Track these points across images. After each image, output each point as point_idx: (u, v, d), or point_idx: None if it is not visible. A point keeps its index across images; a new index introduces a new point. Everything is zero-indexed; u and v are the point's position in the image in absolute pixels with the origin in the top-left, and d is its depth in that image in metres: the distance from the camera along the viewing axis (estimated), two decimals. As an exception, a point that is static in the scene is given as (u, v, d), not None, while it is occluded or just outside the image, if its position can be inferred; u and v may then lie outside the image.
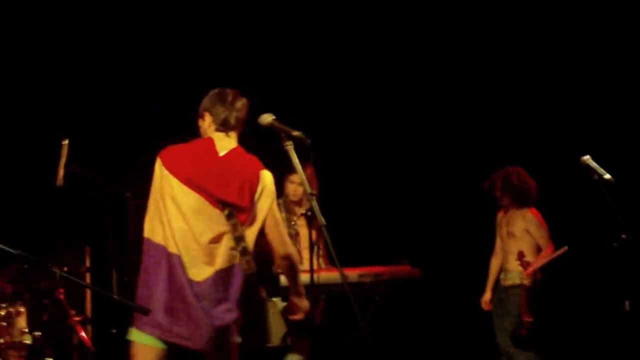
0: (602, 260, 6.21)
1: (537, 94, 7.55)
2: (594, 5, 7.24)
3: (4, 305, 5.35)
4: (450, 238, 7.62)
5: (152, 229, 4.02)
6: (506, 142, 7.36)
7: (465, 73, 7.67)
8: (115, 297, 4.08)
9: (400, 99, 7.83)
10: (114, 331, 5.71)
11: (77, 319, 5.57)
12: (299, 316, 4.28)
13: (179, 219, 3.96)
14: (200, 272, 3.94)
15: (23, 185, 6.57)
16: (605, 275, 6.09)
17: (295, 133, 3.92)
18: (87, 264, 6.28)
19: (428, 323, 7.69)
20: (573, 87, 7.42)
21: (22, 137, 6.68)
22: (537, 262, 6.26)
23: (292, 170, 5.85)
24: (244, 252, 3.99)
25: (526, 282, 6.20)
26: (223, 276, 3.96)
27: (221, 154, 4.10)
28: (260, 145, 4.21)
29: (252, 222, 4.05)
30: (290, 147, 3.90)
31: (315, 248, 5.74)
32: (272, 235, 4.12)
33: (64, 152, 5.48)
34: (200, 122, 4.22)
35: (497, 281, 6.63)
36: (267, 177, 4.11)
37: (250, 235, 4.05)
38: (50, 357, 5.52)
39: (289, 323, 4.31)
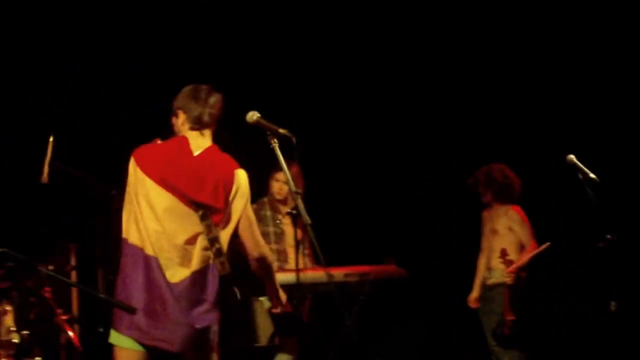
0: (588, 260, 6.23)
1: (526, 94, 7.58)
2: (579, 7, 7.27)
3: (-10, 303, 5.34)
4: (450, 238, 7.62)
5: (128, 230, 3.97)
6: (506, 142, 7.38)
7: (463, 73, 7.69)
8: (101, 295, 4.07)
9: (400, 99, 7.84)
10: (101, 330, 5.68)
11: (64, 317, 5.56)
12: (279, 310, 4.25)
13: (153, 220, 3.91)
14: (175, 273, 3.90)
15: (7, 183, 6.54)
16: (591, 276, 6.11)
17: (281, 131, 3.91)
18: (73, 262, 6.27)
19: (428, 323, 7.72)
20: (560, 88, 7.45)
21: (21, 137, 6.65)
22: (520, 260, 6.27)
23: (277, 168, 5.89)
24: (219, 253, 3.94)
25: (509, 280, 6.20)
26: (199, 277, 3.93)
27: (195, 153, 4.04)
28: (245, 144, 4.20)
29: (226, 223, 4.01)
30: (275, 145, 3.89)
31: (301, 247, 5.75)
32: (245, 237, 4.07)
33: (50, 148, 5.41)
34: (174, 120, 4.18)
35: (486, 279, 6.66)
36: (241, 177, 4.07)
37: (225, 236, 4.01)
38: (38, 356, 5.49)
39: (276, 322, 4.30)
